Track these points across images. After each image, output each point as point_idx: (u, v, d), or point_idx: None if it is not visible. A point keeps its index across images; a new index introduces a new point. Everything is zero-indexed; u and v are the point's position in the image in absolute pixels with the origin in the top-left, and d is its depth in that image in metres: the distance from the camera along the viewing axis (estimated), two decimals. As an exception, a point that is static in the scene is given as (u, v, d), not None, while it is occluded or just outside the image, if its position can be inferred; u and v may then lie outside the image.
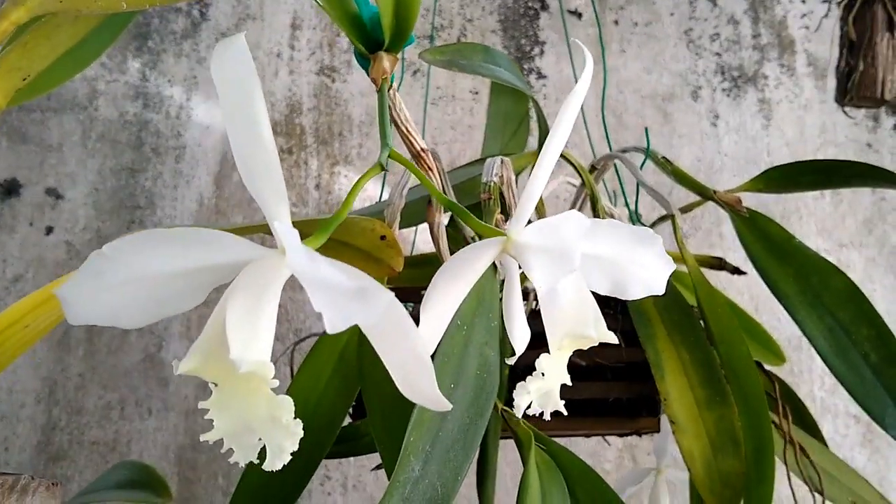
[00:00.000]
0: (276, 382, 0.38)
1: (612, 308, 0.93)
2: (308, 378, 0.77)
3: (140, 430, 1.41)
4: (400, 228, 0.81)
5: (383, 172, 1.21)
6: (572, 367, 0.91)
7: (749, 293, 1.48)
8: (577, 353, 0.53)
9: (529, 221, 0.47)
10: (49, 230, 1.46)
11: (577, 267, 0.40)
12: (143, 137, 1.52)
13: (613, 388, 0.93)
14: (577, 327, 0.48)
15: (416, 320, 0.47)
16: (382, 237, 0.65)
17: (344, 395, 0.78)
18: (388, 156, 0.51)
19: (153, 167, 1.51)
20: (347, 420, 0.94)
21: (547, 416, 0.50)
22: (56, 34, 0.62)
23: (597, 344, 0.49)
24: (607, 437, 1.37)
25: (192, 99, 1.55)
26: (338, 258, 0.70)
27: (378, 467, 1.22)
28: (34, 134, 1.50)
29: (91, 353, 1.42)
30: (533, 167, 1.01)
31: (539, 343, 0.53)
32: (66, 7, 0.50)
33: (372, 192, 1.45)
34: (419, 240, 1.36)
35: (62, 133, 1.51)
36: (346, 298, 0.33)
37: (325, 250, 0.68)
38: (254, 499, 0.79)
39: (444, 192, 0.75)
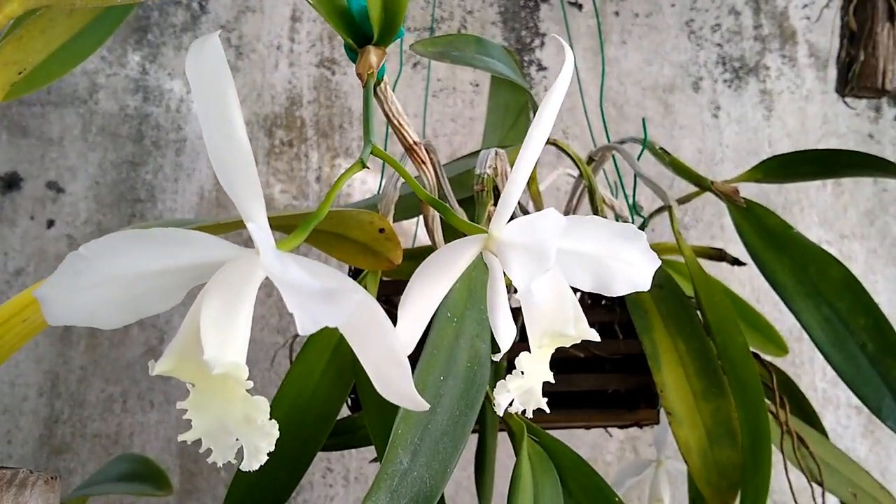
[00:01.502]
0: (251, 384, 0.38)
1: (609, 299, 0.93)
2: (302, 371, 0.77)
3: (142, 422, 1.42)
4: (394, 221, 0.81)
5: (383, 165, 1.21)
6: (571, 358, 0.91)
7: (751, 284, 1.47)
8: (575, 345, 0.53)
9: (512, 217, 0.47)
10: (50, 223, 1.47)
11: (551, 266, 0.40)
12: (144, 131, 1.53)
13: (612, 379, 0.93)
14: (556, 325, 0.48)
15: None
16: (381, 230, 0.65)
17: (339, 388, 0.78)
18: (371, 152, 0.50)
19: (154, 160, 1.52)
20: (346, 412, 0.94)
21: (529, 414, 0.50)
22: (51, 28, 0.62)
23: (579, 342, 0.49)
24: (609, 429, 1.37)
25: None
26: (336, 251, 0.70)
27: (375, 460, 1.22)
28: (34, 128, 1.51)
29: (93, 347, 1.43)
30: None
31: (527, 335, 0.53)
32: (60, 0, 0.51)
33: (371, 184, 1.45)
34: (421, 232, 1.36)
35: (63, 127, 1.51)
36: (314, 300, 0.33)
37: (322, 244, 0.68)
38: (251, 491, 0.79)
39: (441, 184, 0.75)
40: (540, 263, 0.40)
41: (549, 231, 0.41)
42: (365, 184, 1.51)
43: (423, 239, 1.37)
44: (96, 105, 1.52)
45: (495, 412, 0.77)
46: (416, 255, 1.03)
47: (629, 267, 0.48)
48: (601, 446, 1.44)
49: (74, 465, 1.39)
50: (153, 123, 1.53)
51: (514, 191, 0.47)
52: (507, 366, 0.80)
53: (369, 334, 0.40)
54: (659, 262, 0.49)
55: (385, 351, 0.41)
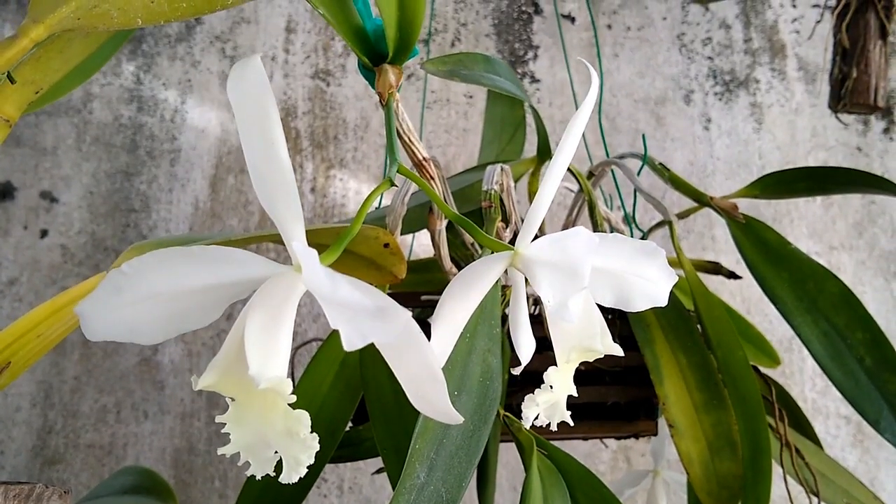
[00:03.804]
0: (294, 398, 0.39)
1: (610, 312, 0.94)
2: (311, 384, 0.78)
3: (136, 433, 1.41)
4: (401, 235, 0.82)
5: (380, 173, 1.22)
6: (570, 371, 0.92)
7: (741, 296, 1.49)
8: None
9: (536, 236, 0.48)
10: (44, 233, 1.46)
11: (586, 284, 0.41)
12: (138, 141, 1.52)
13: (612, 391, 0.94)
14: (585, 341, 0.49)
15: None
16: (386, 245, 0.66)
17: (347, 400, 0.79)
18: (398, 170, 0.51)
19: (148, 170, 1.52)
20: (349, 426, 0.95)
21: (554, 427, 0.51)
22: (68, 48, 0.63)
23: (603, 356, 0.50)
24: (604, 440, 1.38)
25: (186, 102, 1.55)
26: (340, 266, 0.70)
27: (379, 471, 1.22)
28: (28, 137, 1.50)
29: (87, 357, 1.43)
30: (531, 174, 1.02)
31: (541, 347, 0.54)
32: (83, 24, 0.51)
33: (385, 189, 1.46)
34: (415, 245, 1.37)
35: (56, 136, 1.51)
36: (365, 317, 0.34)
37: (325, 259, 0.69)
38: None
39: (445, 199, 0.76)
40: (575, 282, 0.41)
41: (584, 250, 0.42)
42: (359, 194, 1.51)
43: (419, 252, 1.38)
44: (90, 115, 1.52)
45: (499, 424, 0.78)
46: (417, 268, 1.04)
47: (649, 283, 0.49)
48: (594, 456, 1.45)
49: (67, 476, 1.39)
50: (147, 133, 1.53)
51: (541, 208, 0.48)
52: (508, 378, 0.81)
53: (407, 351, 0.41)
54: (676, 278, 0.50)
55: (422, 367, 0.41)
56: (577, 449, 1.42)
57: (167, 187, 1.51)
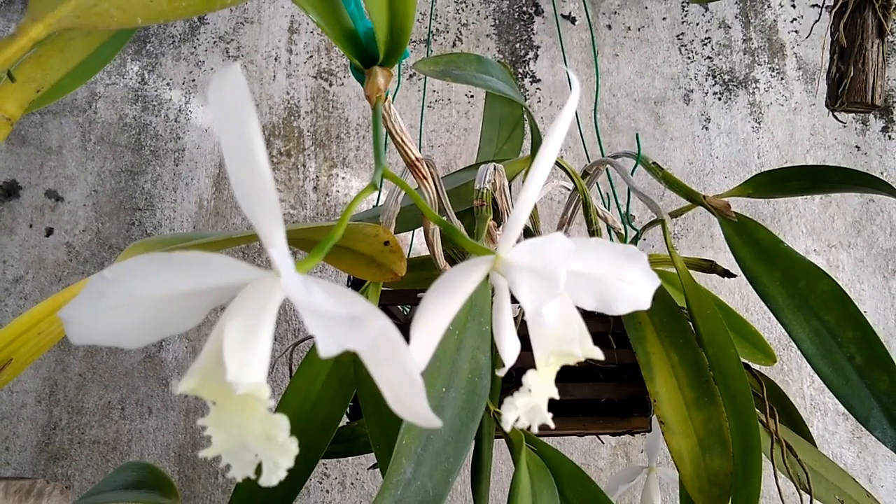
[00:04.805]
0: (272, 403, 0.40)
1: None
2: (304, 380, 0.79)
3: (140, 429, 1.43)
4: (395, 233, 0.83)
5: (381, 178, 1.23)
6: (565, 368, 0.93)
7: (740, 294, 1.49)
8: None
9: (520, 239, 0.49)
10: (49, 232, 1.48)
11: (561, 291, 0.41)
12: (143, 140, 1.54)
13: (605, 388, 0.95)
14: (563, 345, 0.49)
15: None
16: (386, 242, 0.67)
17: (340, 396, 0.79)
18: (382, 175, 0.52)
19: (153, 169, 1.53)
20: (345, 421, 0.96)
21: (535, 430, 0.51)
22: (69, 47, 0.64)
23: (583, 360, 0.50)
24: (601, 436, 1.39)
25: (190, 102, 1.56)
26: (341, 263, 0.71)
27: (374, 466, 1.24)
28: (34, 136, 1.52)
29: (91, 353, 1.44)
30: (526, 174, 1.03)
31: (530, 345, 0.54)
32: (83, 23, 0.52)
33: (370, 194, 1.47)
34: (416, 242, 1.38)
35: (62, 136, 1.52)
36: (338, 325, 0.34)
37: (328, 256, 0.69)
38: (252, 498, 0.80)
39: (440, 199, 0.76)
40: (550, 288, 0.42)
41: (559, 256, 0.42)
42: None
43: (419, 249, 1.39)
44: (95, 114, 1.54)
45: (492, 420, 0.79)
46: (415, 266, 1.05)
47: (631, 287, 0.49)
48: (594, 452, 1.46)
49: (72, 472, 1.41)
50: (152, 133, 1.54)
51: (521, 214, 0.48)
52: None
53: (386, 356, 0.41)
54: (659, 282, 0.50)
55: (400, 371, 0.41)
56: (575, 445, 1.43)
57: (171, 186, 1.53)
